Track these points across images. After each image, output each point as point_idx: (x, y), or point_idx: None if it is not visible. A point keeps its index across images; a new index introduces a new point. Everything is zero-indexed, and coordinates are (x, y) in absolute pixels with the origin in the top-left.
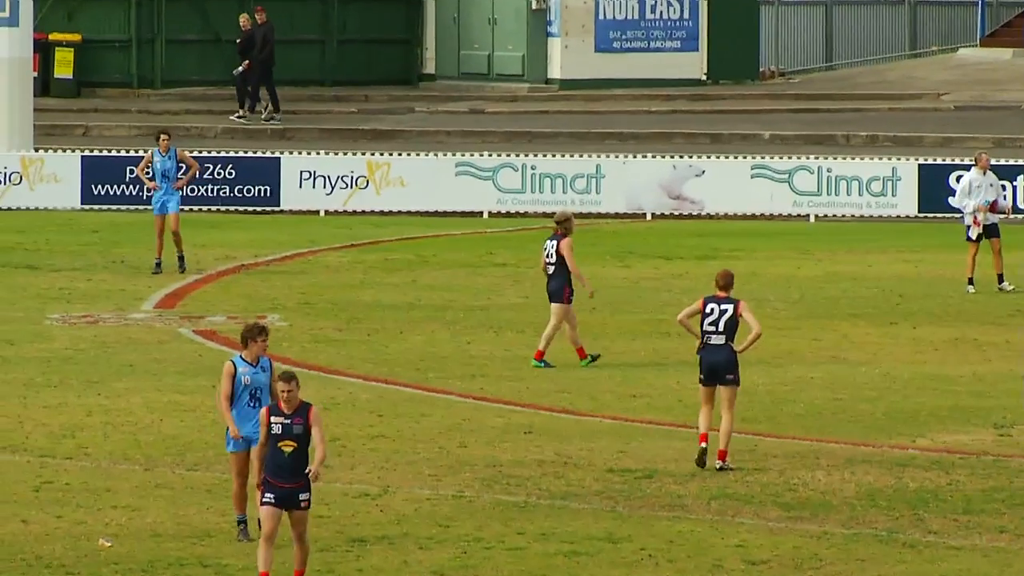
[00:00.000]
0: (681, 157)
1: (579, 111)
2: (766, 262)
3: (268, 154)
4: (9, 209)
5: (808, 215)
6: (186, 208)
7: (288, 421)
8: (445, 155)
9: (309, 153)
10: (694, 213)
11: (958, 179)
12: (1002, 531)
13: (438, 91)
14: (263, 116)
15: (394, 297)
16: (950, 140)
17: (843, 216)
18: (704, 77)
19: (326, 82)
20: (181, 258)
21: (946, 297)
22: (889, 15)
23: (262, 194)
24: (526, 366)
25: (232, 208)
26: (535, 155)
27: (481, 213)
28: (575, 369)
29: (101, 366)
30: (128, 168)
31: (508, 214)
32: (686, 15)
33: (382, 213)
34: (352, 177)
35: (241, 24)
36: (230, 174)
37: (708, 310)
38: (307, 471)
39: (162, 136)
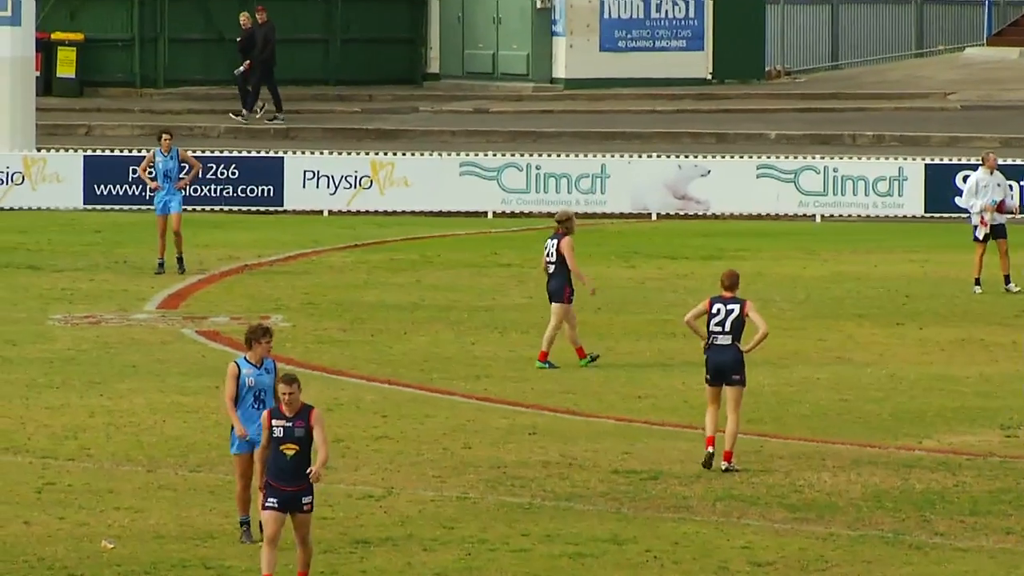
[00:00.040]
0: (686, 157)
1: (584, 111)
2: (772, 262)
3: (271, 154)
4: (11, 209)
5: (814, 215)
6: (189, 208)
7: (290, 424)
8: (449, 155)
9: (313, 153)
10: (700, 213)
11: (965, 179)
12: (1009, 532)
13: (442, 90)
14: (258, 115)
15: (398, 297)
16: (957, 140)
17: (849, 216)
18: (710, 76)
19: (330, 81)
20: (180, 259)
21: (953, 297)
22: (895, 14)
23: (265, 194)
24: (531, 367)
25: (235, 208)
26: (540, 155)
27: (485, 213)
28: (580, 370)
29: (103, 367)
30: (131, 168)
31: (513, 214)
32: (691, 14)
33: (386, 213)
34: (356, 177)
35: (241, 23)
36: (233, 174)
37: (714, 310)
38: (308, 472)
39: (164, 136)
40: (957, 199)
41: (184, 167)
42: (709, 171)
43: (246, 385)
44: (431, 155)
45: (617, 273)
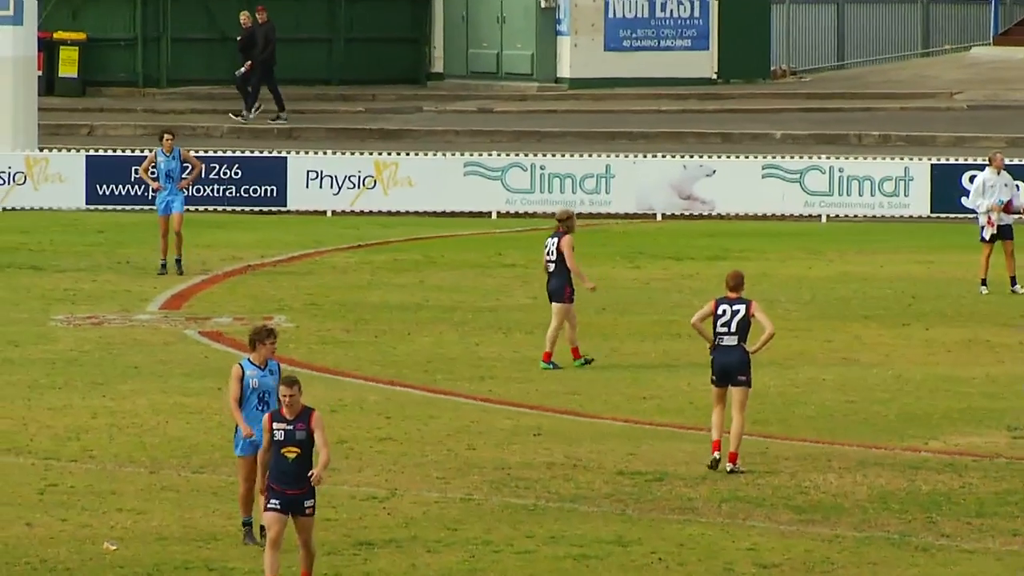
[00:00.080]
0: (692, 157)
1: (589, 110)
2: (777, 263)
3: (274, 154)
4: (13, 209)
5: (820, 215)
6: (191, 208)
7: (291, 427)
8: (453, 155)
9: (316, 153)
10: (705, 213)
11: (971, 179)
12: (1015, 534)
13: (446, 90)
14: (252, 116)
15: (402, 298)
16: (963, 139)
17: (855, 216)
18: (715, 76)
19: (333, 81)
20: (178, 261)
21: (959, 298)
22: (901, 13)
23: (268, 194)
24: (535, 368)
25: (238, 208)
26: (544, 155)
27: (490, 213)
28: (585, 371)
29: (106, 368)
30: (133, 168)
31: (517, 214)
32: (696, 13)
33: (390, 213)
34: (359, 177)
35: (241, 21)
36: (236, 174)
37: (720, 311)
38: (309, 475)
39: (166, 136)
40: (963, 199)
41: (186, 167)
42: (714, 171)
43: (250, 387)
44: (435, 155)
45: (622, 274)
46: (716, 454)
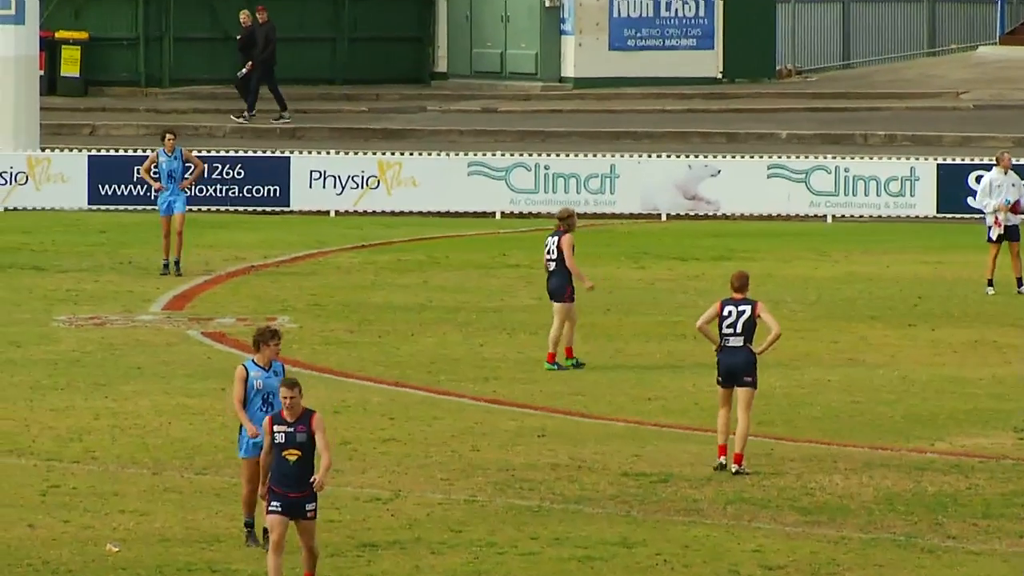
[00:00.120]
0: (697, 157)
1: (593, 110)
2: (783, 263)
3: (278, 154)
4: (15, 209)
5: (825, 215)
6: (194, 208)
7: (291, 429)
8: (457, 155)
9: (319, 153)
10: (710, 213)
11: (978, 179)
12: (1022, 536)
13: (450, 90)
14: (247, 116)
15: (405, 298)
16: (969, 139)
17: (861, 216)
18: (720, 75)
19: (336, 81)
20: (176, 263)
21: (965, 298)
22: (907, 12)
23: (271, 194)
24: (539, 368)
25: (241, 208)
26: (548, 155)
27: (494, 213)
28: (589, 371)
29: (108, 368)
30: (136, 168)
31: (521, 214)
32: (701, 12)
33: (393, 213)
34: (363, 177)
35: (241, 20)
36: (239, 174)
37: (725, 313)
38: (312, 481)
39: (168, 136)
40: (970, 199)
41: (188, 167)
42: (719, 171)
43: (254, 388)
44: (439, 155)
45: (627, 274)
46: (722, 459)
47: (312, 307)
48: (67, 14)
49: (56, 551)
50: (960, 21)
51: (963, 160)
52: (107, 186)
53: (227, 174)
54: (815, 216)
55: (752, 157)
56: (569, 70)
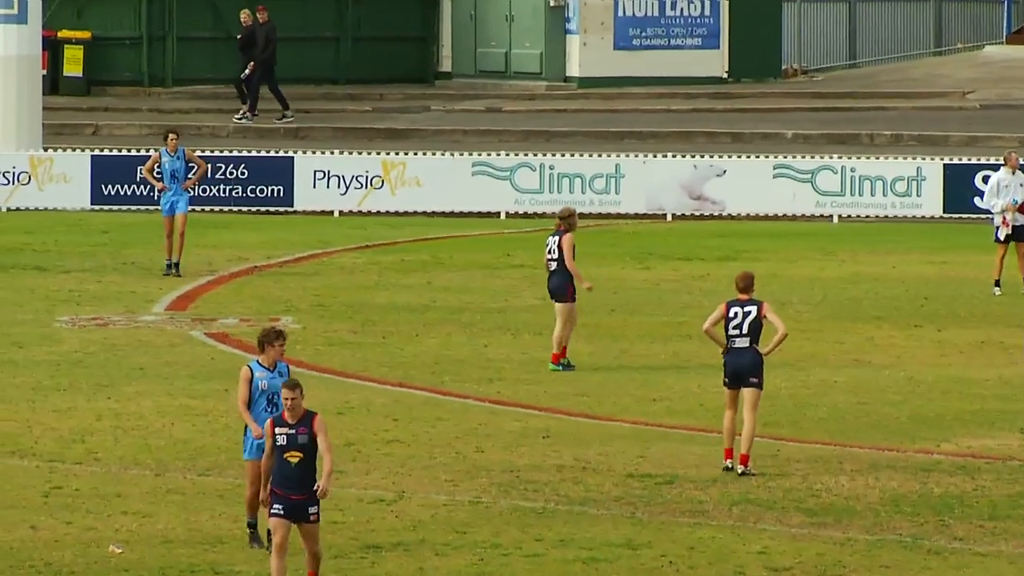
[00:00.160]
0: (702, 157)
1: (598, 109)
2: (789, 263)
3: (281, 153)
4: (18, 209)
5: (831, 215)
6: (197, 208)
7: (293, 431)
8: (462, 154)
9: (323, 152)
10: (715, 214)
11: (984, 179)
12: None
13: (454, 89)
14: (248, 116)
15: (409, 299)
16: (976, 139)
17: (867, 217)
18: (725, 75)
19: (340, 80)
20: (176, 264)
21: (972, 299)
22: (914, 12)
23: (275, 194)
24: (544, 369)
25: (244, 208)
26: (553, 154)
27: (498, 214)
28: (594, 372)
29: (111, 369)
30: (139, 168)
31: (526, 215)
32: (707, 12)
33: (397, 214)
34: (367, 177)
35: (242, 19)
36: (242, 174)
37: (731, 314)
38: (315, 488)
39: (170, 136)
40: (976, 199)
41: (191, 167)
42: (725, 171)
43: (259, 389)
44: (443, 155)
45: (632, 274)
46: (728, 462)
47: (316, 308)
48: (70, 14)
49: (58, 553)
50: (966, 21)
51: (970, 160)
52: (110, 186)
53: (230, 174)
54: (821, 216)
55: (758, 157)
56: (574, 70)
